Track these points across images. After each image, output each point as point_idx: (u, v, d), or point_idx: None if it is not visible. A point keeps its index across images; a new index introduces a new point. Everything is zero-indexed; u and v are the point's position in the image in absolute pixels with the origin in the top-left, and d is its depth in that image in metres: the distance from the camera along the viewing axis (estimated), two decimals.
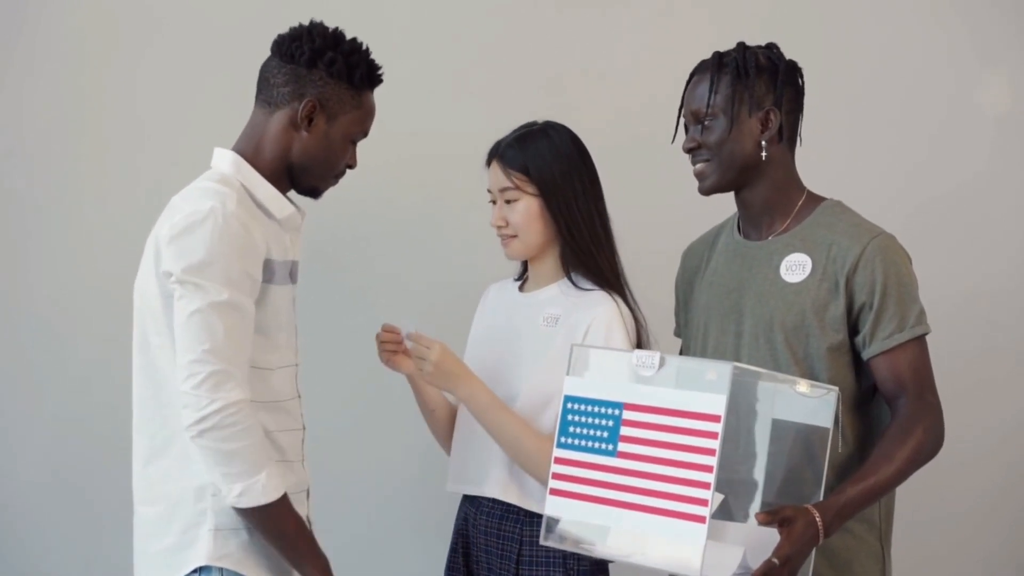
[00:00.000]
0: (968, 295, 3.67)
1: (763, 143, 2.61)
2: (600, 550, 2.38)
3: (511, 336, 2.88)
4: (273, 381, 2.53)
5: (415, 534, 3.55)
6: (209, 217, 2.38)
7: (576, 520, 2.37)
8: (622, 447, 2.31)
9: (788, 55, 2.69)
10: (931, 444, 2.49)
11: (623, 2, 3.68)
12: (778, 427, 2.38)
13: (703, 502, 2.20)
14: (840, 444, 2.48)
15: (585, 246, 2.82)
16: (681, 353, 2.87)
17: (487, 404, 2.75)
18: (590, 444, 2.35)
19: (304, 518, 2.61)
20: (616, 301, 2.80)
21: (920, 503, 3.48)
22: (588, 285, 2.82)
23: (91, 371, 3.51)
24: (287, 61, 2.55)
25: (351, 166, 2.68)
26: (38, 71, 3.56)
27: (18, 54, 3.57)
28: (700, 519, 2.20)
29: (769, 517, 2.29)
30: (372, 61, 2.61)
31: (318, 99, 2.54)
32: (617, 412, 2.33)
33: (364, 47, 2.60)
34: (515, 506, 2.81)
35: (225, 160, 2.55)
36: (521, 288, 2.96)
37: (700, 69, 2.68)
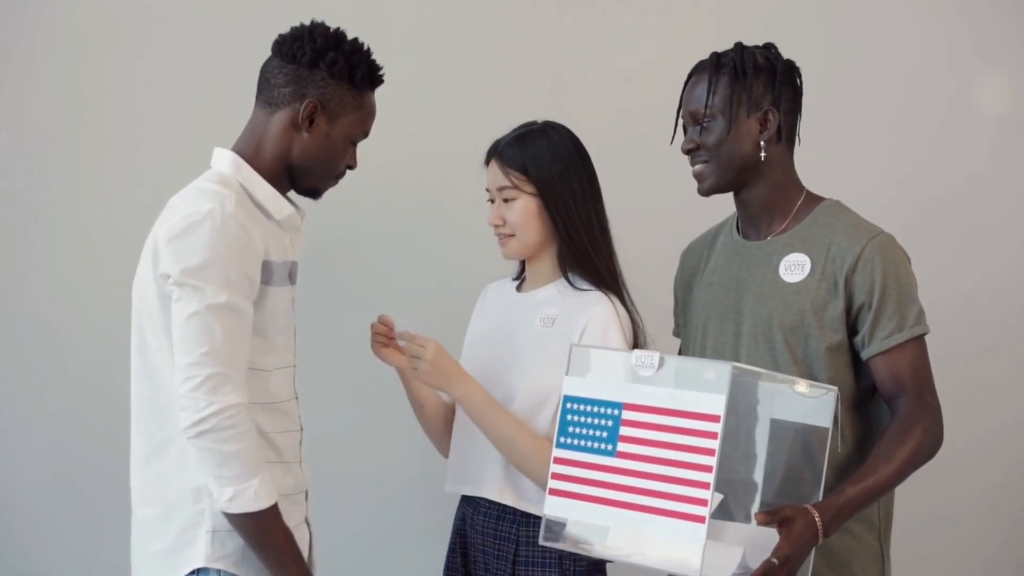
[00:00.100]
0: (968, 295, 3.67)
1: (762, 143, 2.61)
2: (599, 550, 2.38)
3: (508, 336, 2.88)
4: (271, 382, 2.52)
5: (415, 534, 3.55)
6: (207, 219, 2.38)
7: (575, 520, 2.37)
8: (621, 447, 2.31)
9: (788, 55, 2.69)
10: (930, 444, 2.49)
11: (623, 2, 3.68)
12: (777, 427, 2.38)
13: (702, 502, 2.20)
14: (839, 444, 2.47)
15: (582, 246, 2.81)
16: (680, 353, 2.86)
17: (482, 404, 2.75)
18: (589, 444, 2.35)
19: (303, 519, 2.62)
20: (613, 302, 2.79)
21: (920, 503, 3.48)
22: (585, 285, 2.82)
23: (91, 371, 3.51)
24: (288, 61, 2.54)
25: (351, 167, 2.67)
26: (38, 71, 3.56)
27: (18, 54, 3.57)
28: (700, 519, 2.20)
29: (768, 517, 2.29)
30: (373, 61, 2.60)
31: (319, 100, 2.54)
32: (616, 412, 2.33)
33: (365, 47, 2.59)
34: (512, 507, 2.81)
35: (224, 160, 2.55)
36: (519, 288, 2.96)
37: (698, 70, 2.68)
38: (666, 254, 2.99)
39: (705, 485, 2.20)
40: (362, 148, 2.68)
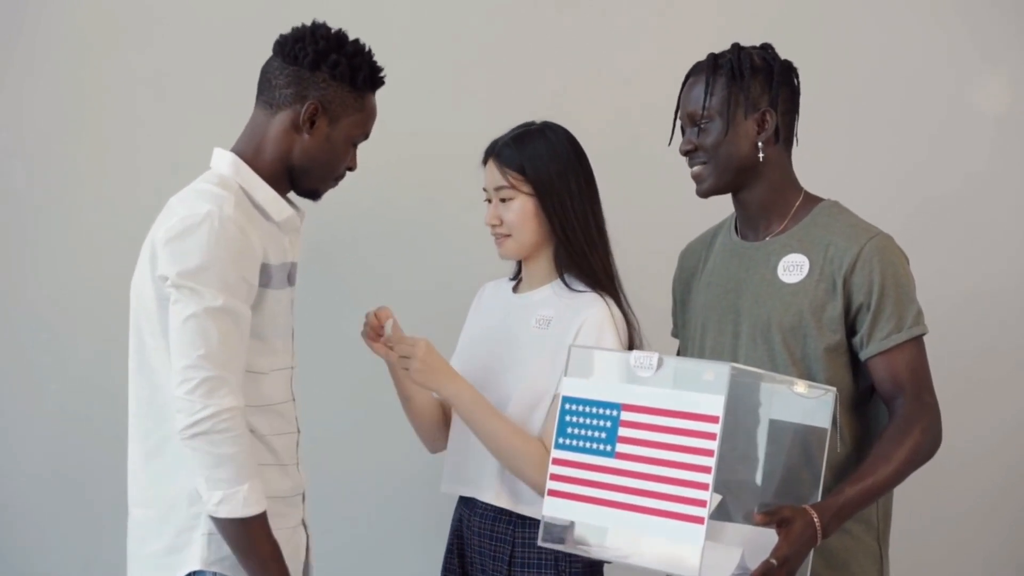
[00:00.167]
0: (968, 295, 3.67)
1: (759, 144, 2.61)
2: (598, 551, 2.38)
3: (504, 337, 2.87)
4: (267, 385, 2.52)
5: (414, 535, 3.55)
6: (206, 221, 2.37)
7: (574, 521, 2.37)
8: (620, 448, 2.31)
9: (788, 56, 2.69)
10: (929, 444, 2.49)
11: (623, 2, 3.68)
12: (776, 428, 2.38)
13: (701, 503, 2.20)
14: (838, 445, 2.47)
15: (579, 247, 2.81)
16: (679, 354, 2.86)
17: (472, 403, 2.74)
18: (588, 445, 2.35)
19: (300, 521, 2.61)
20: (608, 303, 2.79)
21: (920, 503, 3.48)
22: (581, 287, 2.82)
23: (91, 371, 3.51)
24: (290, 62, 2.54)
25: (351, 168, 2.67)
26: (38, 71, 3.56)
27: (18, 54, 3.57)
28: (698, 520, 2.20)
29: (767, 518, 2.29)
30: (375, 63, 2.60)
31: (320, 101, 2.53)
32: (615, 413, 2.33)
33: (367, 49, 2.59)
34: (508, 509, 2.80)
35: (224, 161, 2.54)
36: (515, 289, 2.95)
37: (695, 71, 2.68)
38: (666, 255, 2.99)
39: (704, 486, 2.20)
40: (362, 148, 2.68)
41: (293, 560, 2.57)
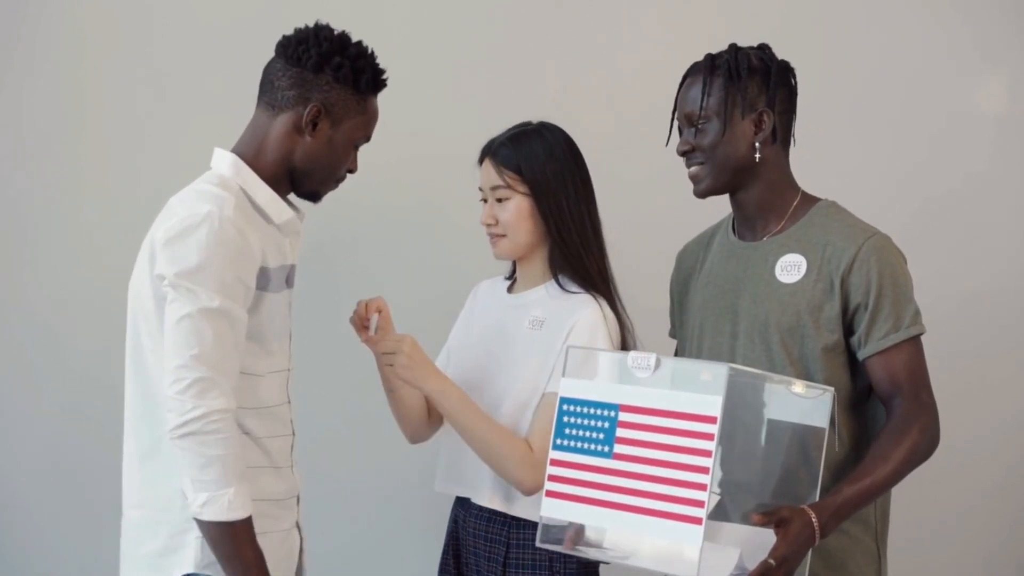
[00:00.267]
0: (968, 295, 3.67)
1: (757, 145, 2.61)
2: (596, 552, 2.37)
3: (498, 338, 2.87)
4: (263, 387, 2.52)
5: (414, 536, 3.55)
6: (205, 222, 2.37)
7: (572, 522, 2.36)
8: (618, 448, 2.31)
9: (789, 56, 2.68)
10: (927, 444, 2.48)
11: (624, 3, 3.68)
12: (774, 428, 2.38)
13: (699, 503, 2.19)
14: (836, 444, 2.47)
15: (574, 248, 2.81)
16: (676, 354, 2.86)
17: (456, 401, 2.73)
18: (586, 446, 2.35)
19: (294, 524, 2.61)
20: (601, 304, 2.78)
21: (920, 504, 3.49)
22: (575, 288, 2.81)
23: (91, 371, 3.52)
24: (293, 64, 2.53)
25: (352, 170, 2.67)
26: (38, 71, 3.56)
27: (18, 54, 3.57)
28: (696, 520, 2.19)
29: (765, 518, 2.29)
30: (377, 66, 2.59)
31: (323, 104, 2.53)
32: (613, 414, 2.32)
33: (370, 51, 2.59)
34: (501, 511, 2.80)
35: (225, 162, 2.54)
36: (509, 289, 2.95)
37: (692, 71, 2.68)
38: (667, 255, 2.99)
39: (702, 486, 2.19)
40: (362, 148, 2.68)
41: (286, 563, 2.58)
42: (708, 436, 2.20)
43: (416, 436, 2.98)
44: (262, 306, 2.48)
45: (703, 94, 2.61)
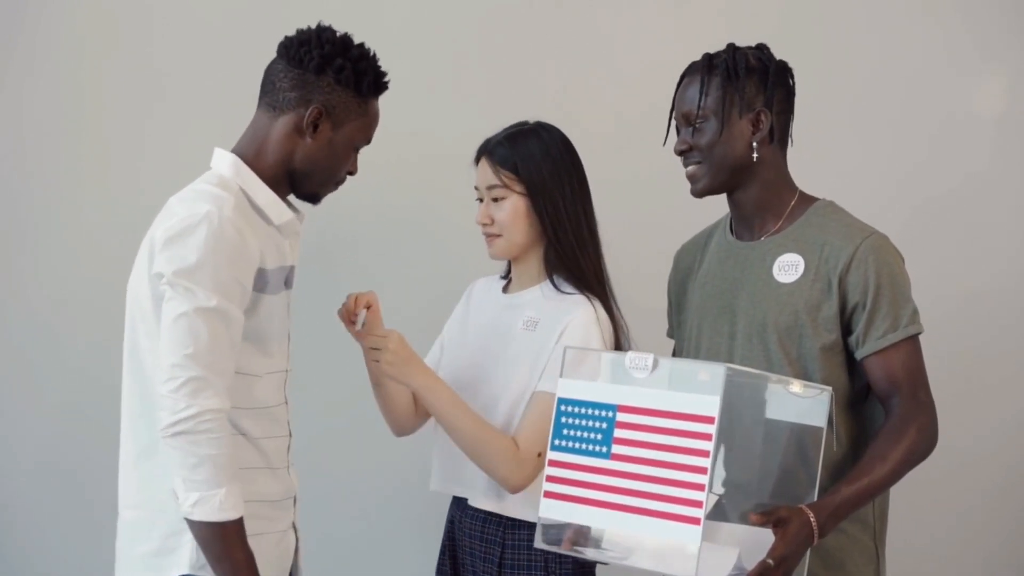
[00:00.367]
0: (968, 295, 3.67)
1: (754, 144, 2.61)
2: (594, 552, 2.37)
3: (493, 337, 2.86)
4: (260, 387, 2.51)
5: (411, 537, 3.55)
6: (204, 221, 2.37)
7: (570, 523, 2.36)
8: (616, 449, 2.30)
9: (789, 56, 2.69)
10: (925, 443, 2.48)
11: (624, 3, 3.68)
12: (772, 428, 2.38)
13: (697, 504, 2.19)
14: (834, 444, 2.47)
15: (569, 248, 2.80)
16: (674, 354, 2.86)
17: (442, 396, 2.72)
18: (584, 446, 2.35)
19: (290, 525, 2.60)
20: (595, 306, 2.77)
21: (920, 503, 3.49)
22: (569, 289, 2.80)
23: (91, 371, 3.52)
24: (295, 66, 2.53)
25: (352, 172, 2.66)
26: (38, 71, 3.57)
27: (18, 54, 3.58)
28: (695, 521, 2.19)
29: (763, 518, 2.29)
30: (379, 69, 2.59)
31: (324, 106, 2.52)
32: (611, 414, 2.32)
33: (372, 54, 2.58)
34: (495, 512, 2.80)
35: (225, 162, 2.53)
36: (505, 289, 2.94)
37: (690, 71, 2.68)
38: (667, 255, 2.99)
39: (700, 487, 2.19)
40: (362, 149, 2.68)
41: (281, 563, 2.58)
42: (706, 436, 2.20)
43: (401, 430, 2.97)
44: (259, 308, 2.47)
45: (701, 93, 2.61)
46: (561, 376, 2.42)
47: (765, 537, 2.29)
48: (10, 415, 3.58)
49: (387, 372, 2.73)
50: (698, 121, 2.62)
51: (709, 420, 2.20)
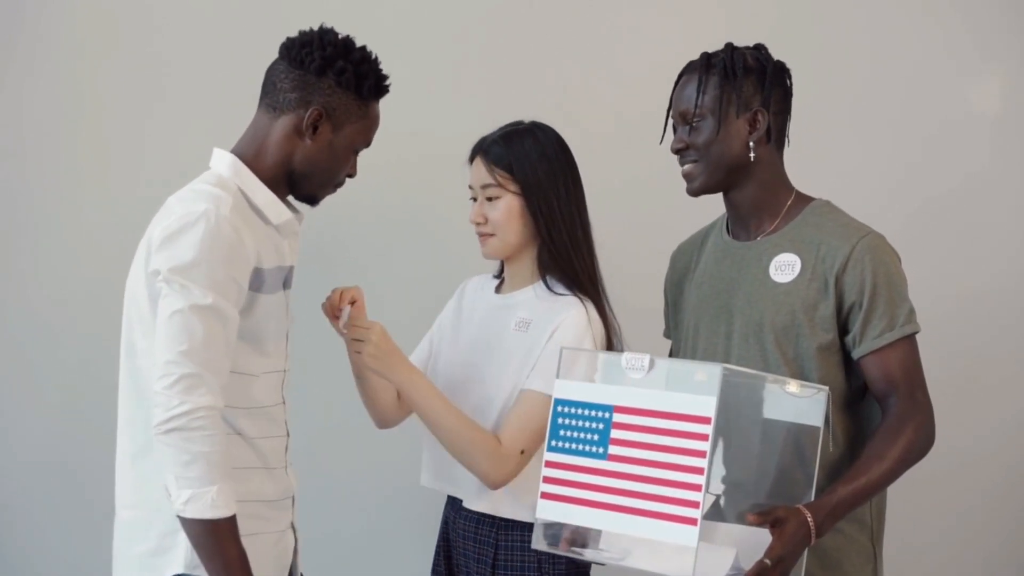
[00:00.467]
0: (968, 295, 3.67)
1: (751, 144, 2.61)
2: (591, 553, 2.37)
3: (485, 338, 2.86)
4: (257, 387, 2.51)
5: (411, 537, 3.55)
6: (201, 219, 2.37)
7: (567, 524, 2.36)
8: (613, 450, 2.30)
9: (788, 56, 2.69)
10: (922, 443, 2.48)
11: (624, 3, 3.68)
12: (769, 427, 2.38)
13: (694, 504, 2.19)
14: (831, 444, 2.46)
15: (563, 249, 2.79)
16: (671, 354, 2.87)
17: (424, 391, 2.72)
18: (581, 447, 2.34)
19: (288, 525, 2.60)
20: (586, 307, 2.77)
21: (920, 503, 3.49)
22: (561, 289, 2.80)
23: (91, 370, 3.52)
24: (296, 67, 2.53)
25: (351, 175, 2.66)
26: (38, 71, 3.57)
27: (18, 54, 3.58)
28: (692, 521, 2.19)
29: (761, 518, 2.29)
30: (380, 72, 2.59)
31: (324, 108, 2.52)
32: (607, 415, 2.32)
33: (373, 56, 2.58)
34: (488, 513, 2.80)
35: (224, 162, 2.54)
36: (497, 289, 2.94)
37: (688, 70, 2.68)
38: (667, 255, 2.98)
39: (697, 487, 2.19)
40: (362, 151, 2.68)
41: (280, 563, 2.58)
42: (703, 436, 2.20)
43: (384, 422, 2.97)
44: (256, 307, 2.47)
45: (698, 92, 2.61)
46: (558, 377, 2.42)
47: (762, 537, 2.29)
48: (10, 414, 3.58)
49: (368, 364, 2.72)
50: (695, 120, 2.62)
51: (705, 420, 2.20)
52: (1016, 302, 3.70)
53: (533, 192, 2.78)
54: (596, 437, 2.33)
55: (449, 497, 2.93)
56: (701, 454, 2.19)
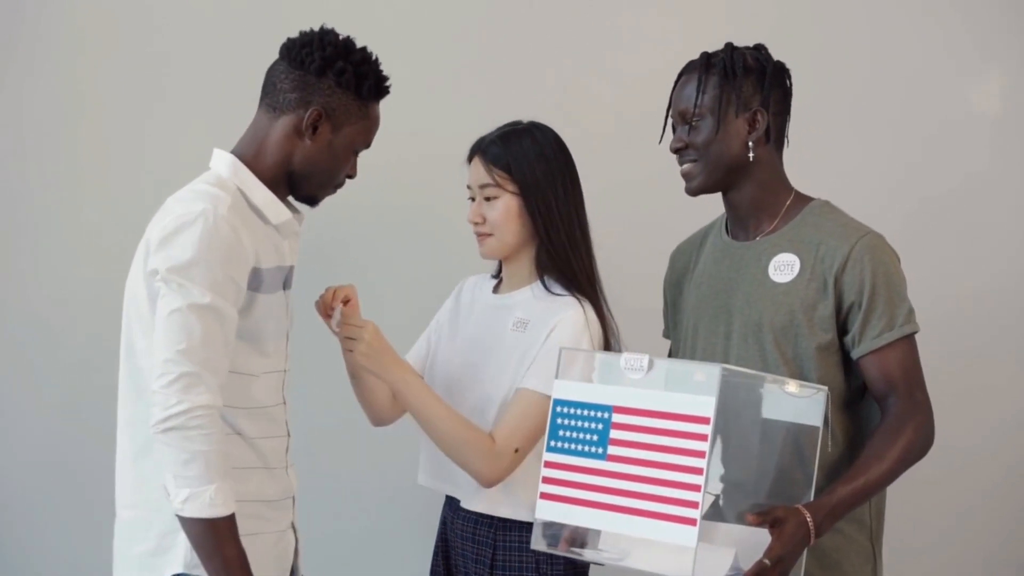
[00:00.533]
0: (968, 295, 3.67)
1: (750, 144, 2.61)
2: (591, 554, 2.37)
3: (483, 338, 2.86)
4: (257, 387, 2.51)
5: (411, 537, 3.54)
6: (200, 219, 2.37)
7: (566, 524, 2.36)
8: (612, 450, 2.30)
9: (789, 56, 2.69)
10: (921, 443, 2.48)
11: (624, 3, 3.68)
12: (768, 427, 2.38)
13: (694, 504, 2.19)
14: (830, 444, 2.46)
15: (561, 249, 2.79)
16: (670, 354, 2.87)
17: (417, 390, 2.72)
18: (580, 448, 2.34)
19: (289, 525, 2.60)
20: (584, 307, 2.77)
21: (920, 504, 3.49)
22: (559, 290, 2.80)
23: (91, 370, 3.52)
24: (296, 67, 2.53)
25: (351, 176, 2.66)
26: (38, 71, 3.57)
27: (18, 54, 3.58)
28: (691, 521, 2.19)
29: (760, 518, 2.29)
30: (381, 72, 2.59)
31: (324, 108, 2.52)
32: (606, 415, 2.32)
33: (374, 57, 2.58)
34: (486, 514, 2.79)
35: (223, 162, 2.54)
36: (495, 289, 2.94)
37: (688, 69, 2.68)
38: (667, 255, 2.98)
39: (696, 487, 2.19)
40: (361, 152, 2.68)
41: (280, 563, 2.57)
42: (702, 437, 2.20)
43: (379, 420, 2.97)
44: (255, 307, 2.47)
45: (698, 92, 2.61)
46: (557, 377, 2.42)
47: (762, 537, 2.29)
48: (10, 414, 3.58)
49: (361, 363, 2.72)
50: (694, 119, 2.62)
51: (705, 421, 2.20)
52: (1016, 302, 3.70)
53: (531, 192, 2.78)
54: (595, 437, 2.33)
55: (447, 497, 2.93)
56: (700, 454, 2.19)
